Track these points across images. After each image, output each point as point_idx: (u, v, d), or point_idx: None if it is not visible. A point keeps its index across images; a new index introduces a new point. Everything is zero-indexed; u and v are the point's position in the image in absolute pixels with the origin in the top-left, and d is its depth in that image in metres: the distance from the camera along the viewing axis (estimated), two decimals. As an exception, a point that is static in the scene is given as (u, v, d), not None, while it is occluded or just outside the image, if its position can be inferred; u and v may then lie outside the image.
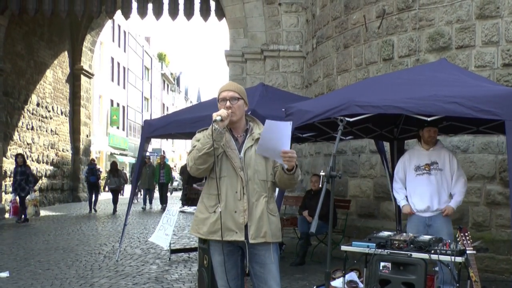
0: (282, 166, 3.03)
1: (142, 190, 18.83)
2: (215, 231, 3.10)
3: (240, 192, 3.10)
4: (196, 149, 3.07)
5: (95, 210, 16.22)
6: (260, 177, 3.15)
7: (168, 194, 21.80)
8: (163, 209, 15.52)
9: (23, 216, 12.71)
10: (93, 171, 16.38)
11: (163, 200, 17.67)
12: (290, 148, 2.99)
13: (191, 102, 68.35)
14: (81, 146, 20.14)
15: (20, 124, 15.67)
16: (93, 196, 16.27)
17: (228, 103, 3.13)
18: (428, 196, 5.00)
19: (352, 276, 5.47)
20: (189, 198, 14.28)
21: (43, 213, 15.23)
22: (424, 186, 5.03)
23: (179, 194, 27.17)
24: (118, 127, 37.33)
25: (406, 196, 5.20)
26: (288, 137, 2.93)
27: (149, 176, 17.30)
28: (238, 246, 3.18)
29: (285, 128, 2.93)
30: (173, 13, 13.55)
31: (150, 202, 18.22)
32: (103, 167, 31.75)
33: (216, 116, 3.02)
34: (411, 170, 5.13)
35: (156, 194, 18.92)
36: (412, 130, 6.28)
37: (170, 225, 7.36)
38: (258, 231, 3.10)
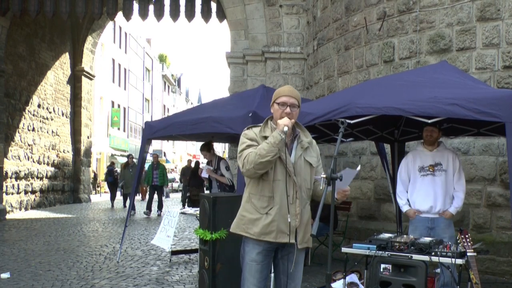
0: (333, 195, 3.11)
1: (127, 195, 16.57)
2: (268, 233, 3.16)
3: (293, 196, 3.18)
4: (258, 155, 3.08)
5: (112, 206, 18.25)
6: (307, 186, 3.27)
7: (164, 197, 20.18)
8: (159, 214, 15.15)
9: None
10: (111, 172, 18.75)
11: (159, 204, 15.82)
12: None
13: (192, 103, 68.37)
14: (82, 147, 20.16)
15: (21, 125, 15.69)
16: (112, 194, 18.77)
17: (288, 109, 3.18)
18: (432, 197, 4.98)
19: (353, 278, 5.47)
20: (191, 200, 14.20)
21: (44, 214, 15.25)
22: (428, 187, 5.00)
23: (178, 195, 27.18)
24: (119, 129, 37.36)
25: (408, 200, 5.18)
26: (351, 179, 3.30)
27: (133, 178, 15.82)
28: (275, 248, 3.25)
29: (354, 173, 3.33)
30: (174, 14, 13.56)
31: (133, 208, 15.50)
32: (102, 169, 31.75)
33: (284, 126, 3.08)
34: (415, 171, 5.11)
35: (139, 197, 17.84)
36: (413, 132, 6.29)
37: (171, 227, 7.36)
38: (304, 237, 3.24)
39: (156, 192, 15.59)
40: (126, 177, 15.40)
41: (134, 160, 16.10)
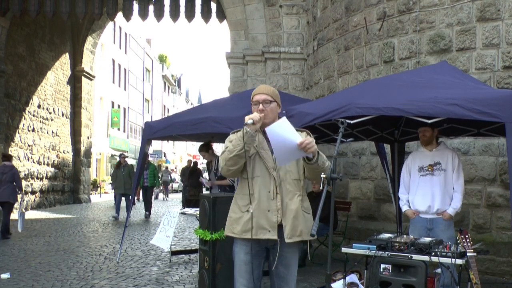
0: (304, 158, 3.04)
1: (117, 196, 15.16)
2: (248, 230, 3.14)
3: (273, 191, 3.15)
4: (227, 151, 3.12)
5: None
6: (292, 177, 3.20)
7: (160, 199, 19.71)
8: (146, 217, 14.60)
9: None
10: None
11: (147, 207, 15.14)
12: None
13: (192, 104, 68.37)
14: (82, 148, 20.16)
15: (21, 125, 15.69)
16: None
17: (261, 106, 3.17)
18: (430, 197, 4.99)
19: (353, 278, 5.47)
20: (188, 200, 14.14)
21: (43, 214, 15.24)
22: (427, 187, 5.01)
23: (178, 196, 27.20)
24: (119, 129, 37.36)
25: (408, 201, 5.19)
26: (292, 130, 2.95)
27: (125, 178, 14.40)
28: (264, 247, 3.22)
29: (284, 125, 2.95)
30: (174, 15, 13.57)
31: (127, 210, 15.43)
32: (103, 169, 31.75)
33: (248, 119, 3.05)
34: (415, 171, 5.13)
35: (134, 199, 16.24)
36: (413, 132, 6.29)
37: (170, 227, 7.36)
38: (294, 230, 3.14)
39: (146, 193, 15.15)
40: (118, 177, 14.46)
41: (127, 160, 15.60)
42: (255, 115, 3.10)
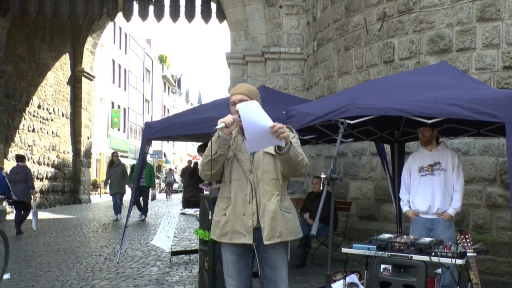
0: (275, 148, 2.93)
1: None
2: (225, 234, 3.12)
3: (250, 195, 3.09)
4: (204, 156, 3.08)
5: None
6: (270, 176, 3.11)
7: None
8: (142, 220, 13.87)
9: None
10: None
11: (144, 208, 14.36)
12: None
13: (192, 104, 68.39)
14: (82, 148, 20.17)
15: (21, 126, 15.70)
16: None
17: (236, 107, 3.01)
18: (430, 197, 4.99)
19: (353, 278, 5.47)
20: (188, 201, 14.12)
21: (44, 215, 15.25)
22: (426, 187, 5.01)
23: (179, 196, 27.19)
24: (119, 129, 37.37)
25: (409, 202, 5.19)
26: (265, 114, 2.81)
27: (119, 177, 13.83)
28: (249, 248, 3.16)
29: (256, 107, 2.84)
30: (174, 15, 13.57)
31: (119, 211, 14.09)
32: (104, 169, 31.71)
33: (220, 122, 2.95)
34: (415, 172, 5.13)
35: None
36: (413, 133, 6.28)
37: (171, 227, 7.36)
38: (272, 232, 3.06)
39: (142, 194, 14.15)
40: (112, 176, 13.84)
41: (120, 159, 15.29)
42: (228, 118, 2.97)
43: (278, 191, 3.12)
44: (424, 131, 5.04)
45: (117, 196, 13.87)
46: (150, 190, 16.20)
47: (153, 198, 22.99)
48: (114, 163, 14.12)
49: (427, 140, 5.08)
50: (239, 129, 3.08)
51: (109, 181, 14.10)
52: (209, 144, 3.04)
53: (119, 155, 15.42)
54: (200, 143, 8.22)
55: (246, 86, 3.22)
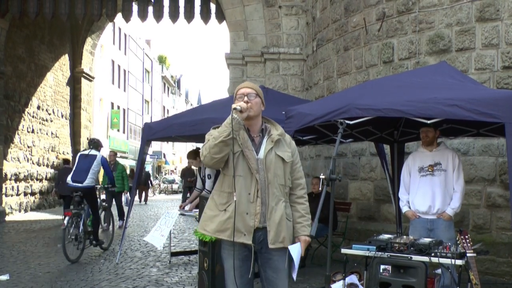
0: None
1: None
2: (224, 230, 3.04)
3: (254, 194, 3.04)
4: (212, 137, 3.01)
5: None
6: (279, 181, 3.10)
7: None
8: (120, 226, 12.02)
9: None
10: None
11: (119, 214, 12.62)
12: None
13: (191, 104, 68.44)
14: (82, 149, 20.14)
15: (20, 127, 15.69)
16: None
17: (246, 98, 3.09)
18: (430, 197, 4.98)
19: (353, 279, 5.46)
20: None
21: (43, 216, 15.24)
22: (427, 187, 5.00)
23: (178, 196, 27.16)
24: (118, 130, 37.36)
25: (408, 202, 5.18)
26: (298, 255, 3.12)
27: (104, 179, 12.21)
28: (251, 251, 3.11)
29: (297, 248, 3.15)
30: (174, 16, 13.56)
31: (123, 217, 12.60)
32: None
33: (235, 105, 3.00)
34: (415, 172, 5.12)
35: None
36: (412, 133, 6.29)
37: (167, 227, 7.33)
38: (277, 236, 3.05)
39: (114, 199, 12.27)
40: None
41: (119, 160, 14.68)
42: (242, 103, 3.04)
43: (284, 197, 3.13)
44: (427, 132, 5.04)
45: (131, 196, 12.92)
46: (124, 195, 14.17)
47: (127, 202, 17.24)
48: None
49: (430, 141, 5.08)
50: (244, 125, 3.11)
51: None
52: (219, 128, 3.03)
53: (119, 156, 14.76)
54: (193, 149, 8.16)
55: (254, 84, 3.27)
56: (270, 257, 3.10)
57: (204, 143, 3.12)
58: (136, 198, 17.86)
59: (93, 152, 8.33)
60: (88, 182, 8.03)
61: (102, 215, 8.20)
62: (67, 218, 7.75)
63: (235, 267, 3.06)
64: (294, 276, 3.12)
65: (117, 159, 13.68)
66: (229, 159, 3.06)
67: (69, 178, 8.14)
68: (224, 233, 3.04)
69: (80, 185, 7.99)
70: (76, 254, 7.77)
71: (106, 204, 10.02)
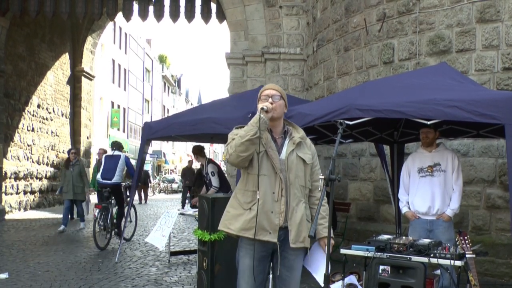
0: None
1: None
2: (249, 229, 3.08)
3: (278, 193, 3.11)
4: (239, 136, 3.06)
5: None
6: (300, 182, 3.18)
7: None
8: (81, 228, 11.62)
9: None
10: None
11: (79, 213, 11.97)
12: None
13: (191, 104, 68.43)
14: (82, 148, 20.14)
15: (20, 125, 15.68)
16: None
17: (270, 100, 3.16)
18: (429, 198, 4.98)
19: (352, 279, 5.46)
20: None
21: (43, 214, 15.24)
22: (426, 188, 5.01)
23: (178, 196, 27.17)
24: (118, 129, 37.37)
25: (408, 203, 5.18)
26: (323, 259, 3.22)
27: (75, 180, 11.27)
28: (270, 251, 3.17)
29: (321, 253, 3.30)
30: (174, 15, 13.56)
31: (82, 219, 12.00)
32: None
33: (263, 106, 3.08)
34: (414, 173, 5.12)
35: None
36: (412, 134, 6.29)
37: (167, 227, 7.35)
38: (298, 236, 3.12)
39: (75, 201, 11.67)
40: (66, 178, 11.30)
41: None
42: (268, 103, 3.12)
43: (304, 198, 3.22)
44: (427, 133, 5.04)
45: (76, 203, 11.75)
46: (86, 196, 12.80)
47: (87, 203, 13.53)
48: (70, 162, 11.48)
49: (430, 142, 5.08)
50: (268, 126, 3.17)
51: (63, 186, 11.54)
52: (239, 132, 3.09)
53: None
54: (197, 144, 8.22)
55: (278, 86, 3.33)
56: (286, 256, 3.16)
57: (227, 142, 3.19)
58: (136, 197, 17.84)
59: (117, 152, 9.37)
60: (115, 179, 9.09)
61: (126, 209, 8.82)
62: (97, 210, 8.79)
63: (250, 268, 3.11)
64: (319, 278, 3.26)
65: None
66: (254, 158, 3.12)
67: (98, 176, 9.19)
68: (249, 232, 3.09)
69: (109, 181, 9.05)
70: (104, 242, 8.79)
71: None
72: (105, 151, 12.27)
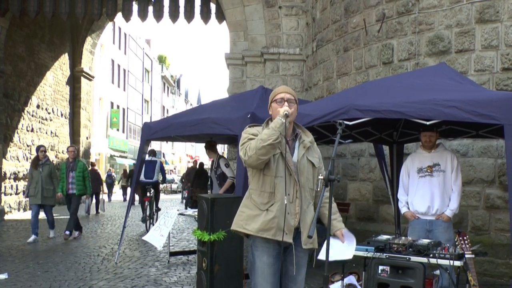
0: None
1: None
2: (267, 229, 3.14)
3: (294, 195, 3.18)
4: (260, 139, 3.08)
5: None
6: (309, 185, 3.27)
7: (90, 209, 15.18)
8: (66, 237, 9.87)
9: None
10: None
11: (69, 223, 10.17)
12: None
13: (191, 104, 68.43)
14: (81, 148, 20.14)
15: (20, 126, 15.68)
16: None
17: (286, 104, 3.23)
18: (429, 198, 4.98)
19: (351, 279, 5.46)
20: (194, 201, 14.15)
21: (42, 215, 15.20)
22: (426, 188, 5.01)
23: (178, 196, 27.17)
24: (118, 129, 37.35)
25: (407, 203, 5.18)
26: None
27: (44, 182, 9.71)
28: (281, 250, 3.24)
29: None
30: (174, 15, 13.56)
31: (51, 227, 10.33)
32: (103, 170, 31.77)
33: (284, 111, 3.13)
34: (413, 173, 5.12)
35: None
36: (411, 134, 6.29)
37: (166, 227, 7.34)
38: (308, 237, 3.19)
39: (69, 203, 10.25)
40: (34, 180, 9.73)
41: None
42: (288, 108, 3.17)
43: (312, 200, 3.31)
44: (431, 137, 5.04)
45: (44, 209, 10.06)
46: (86, 200, 13.13)
47: (88, 210, 15.74)
48: (39, 162, 9.88)
49: (433, 145, 5.09)
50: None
51: (30, 188, 9.89)
52: (266, 130, 3.12)
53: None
54: (202, 144, 8.29)
55: (292, 90, 3.39)
56: (296, 254, 3.23)
57: (242, 141, 3.22)
58: (136, 197, 17.80)
59: (154, 158, 12.17)
60: (156, 178, 11.96)
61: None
62: (146, 202, 11.52)
63: (269, 265, 3.18)
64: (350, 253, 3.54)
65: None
66: (270, 160, 3.18)
67: (142, 177, 11.24)
68: (268, 232, 3.14)
69: (151, 180, 11.77)
70: (150, 226, 10.94)
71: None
72: (74, 150, 10.32)
